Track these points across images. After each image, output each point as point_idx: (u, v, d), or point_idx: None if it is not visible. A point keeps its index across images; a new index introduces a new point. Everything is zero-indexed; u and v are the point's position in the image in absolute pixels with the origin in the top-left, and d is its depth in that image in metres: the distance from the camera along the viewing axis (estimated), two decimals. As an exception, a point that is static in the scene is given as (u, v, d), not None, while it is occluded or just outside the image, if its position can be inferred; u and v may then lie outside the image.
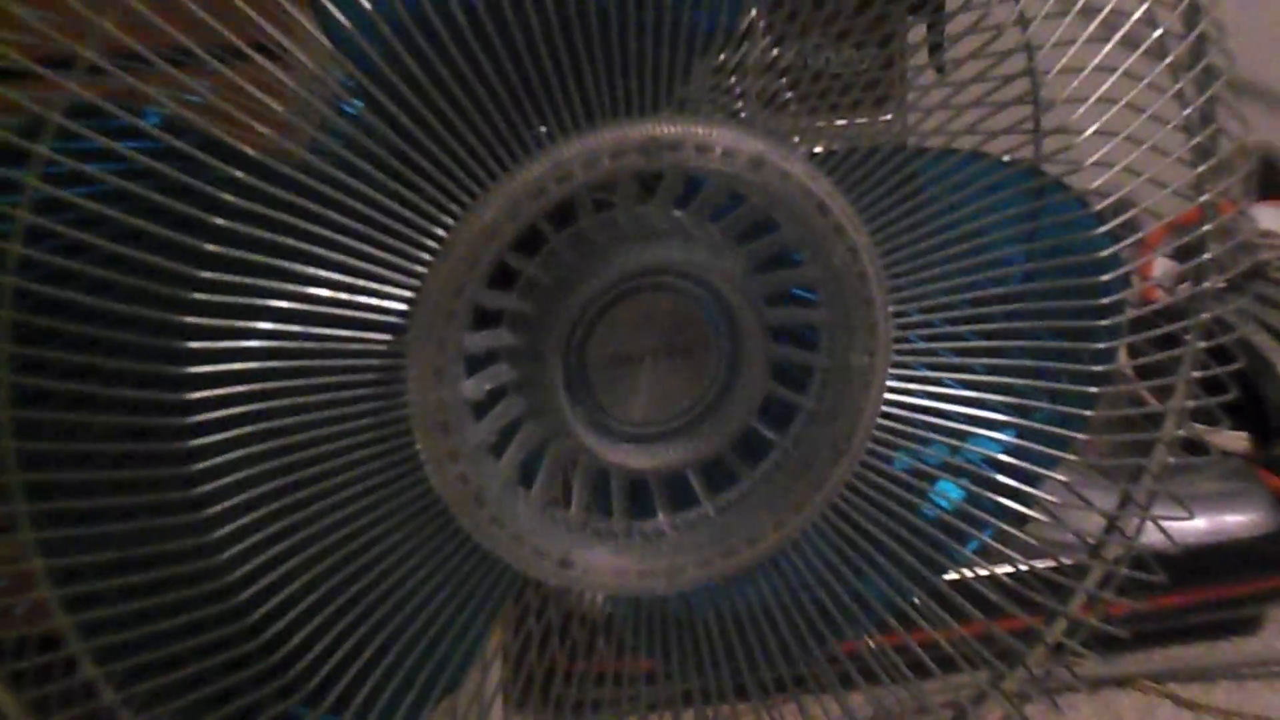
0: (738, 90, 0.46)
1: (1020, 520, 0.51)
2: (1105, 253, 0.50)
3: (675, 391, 0.46)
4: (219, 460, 0.41)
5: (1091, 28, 0.47)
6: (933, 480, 0.50)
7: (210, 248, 0.40)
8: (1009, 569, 0.53)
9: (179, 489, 0.41)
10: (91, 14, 0.37)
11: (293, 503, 0.43)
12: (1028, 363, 0.51)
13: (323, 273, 0.41)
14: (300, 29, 0.39)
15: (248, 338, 0.41)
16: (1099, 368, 0.51)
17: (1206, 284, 0.52)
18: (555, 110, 0.42)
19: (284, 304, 0.41)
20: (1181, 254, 0.53)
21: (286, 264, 0.41)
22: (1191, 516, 0.54)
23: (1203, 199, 0.51)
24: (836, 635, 0.51)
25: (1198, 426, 0.54)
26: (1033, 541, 0.51)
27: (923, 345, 0.49)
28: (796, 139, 0.46)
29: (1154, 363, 0.53)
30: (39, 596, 0.41)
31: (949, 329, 0.49)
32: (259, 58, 0.39)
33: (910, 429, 0.49)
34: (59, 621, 0.42)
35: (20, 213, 0.39)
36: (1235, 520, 0.71)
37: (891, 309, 0.47)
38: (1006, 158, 0.50)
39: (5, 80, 0.38)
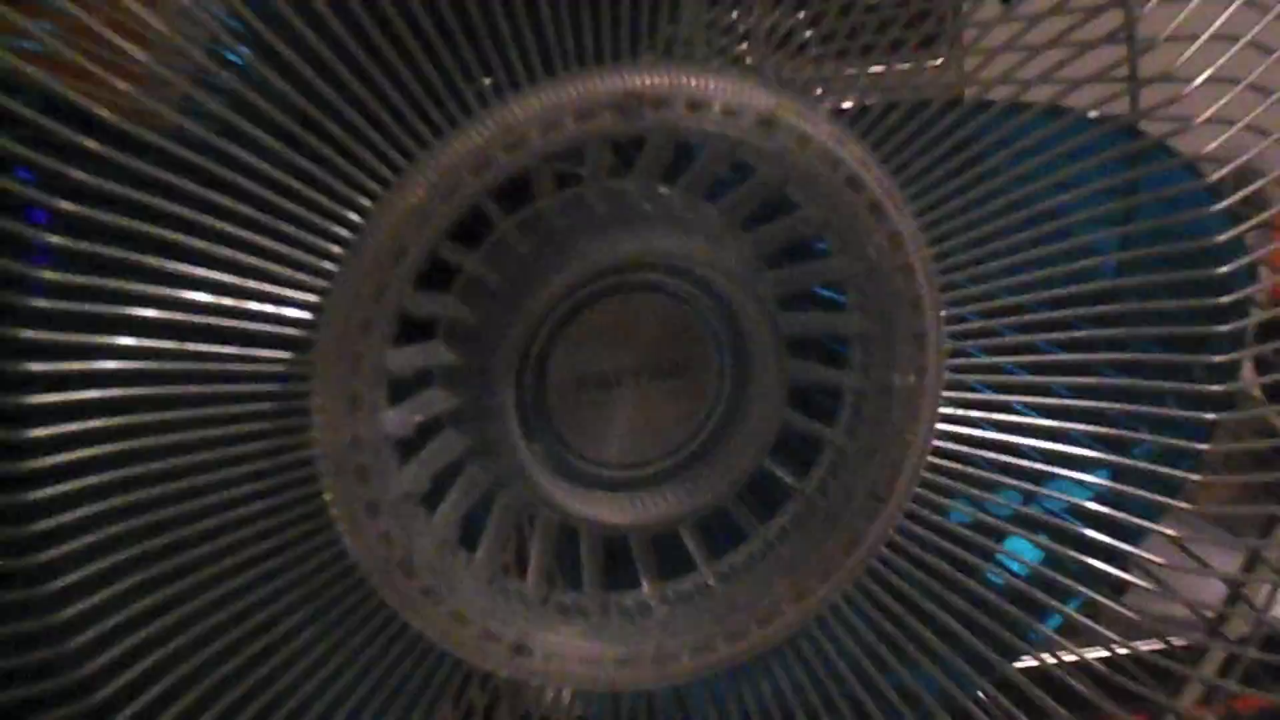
0: (742, 28, 0.47)
1: (1116, 588, 0.52)
2: (1223, 237, 0.51)
3: (663, 423, 0.48)
4: (66, 518, 0.42)
5: (1203, -58, 0.49)
6: (1001, 537, 0.51)
7: (55, 240, 0.41)
8: (1101, 653, 0.53)
9: (13, 556, 0.42)
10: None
11: (163, 573, 0.44)
12: (1123, 381, 0.51)
13: (201, 271, 0.42)
14: (169, -48, 0.40)
15: (103, 357, 0.42)
16: (1217, 387, 0.52)
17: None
18: (503, 57, 0.43)
19: (151, 313, 0.42)
20: (1323, 238, 0.54)
21: (154, 260, 0.42)
22: (1341, 583, 0.55)
23: (1351, 166, 0.52)
24: (877, 741, 0.52)
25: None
26: (1132, 616, 0.52)
27: (985, 360, 0.50)
28: (819, 91, 0.47)
29: (1289, 380, 0.54)
30: None
31: (1020, 339, 0.50)
32: (116, -9, 0.39)
33: (971, 470, 0.50)
34: None
35: None
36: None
37: (945, 313, 0.48)
38: (1093, 114, 0.51)
39: None
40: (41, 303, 0.41)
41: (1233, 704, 0.55)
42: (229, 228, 0.43)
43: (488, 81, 0.44)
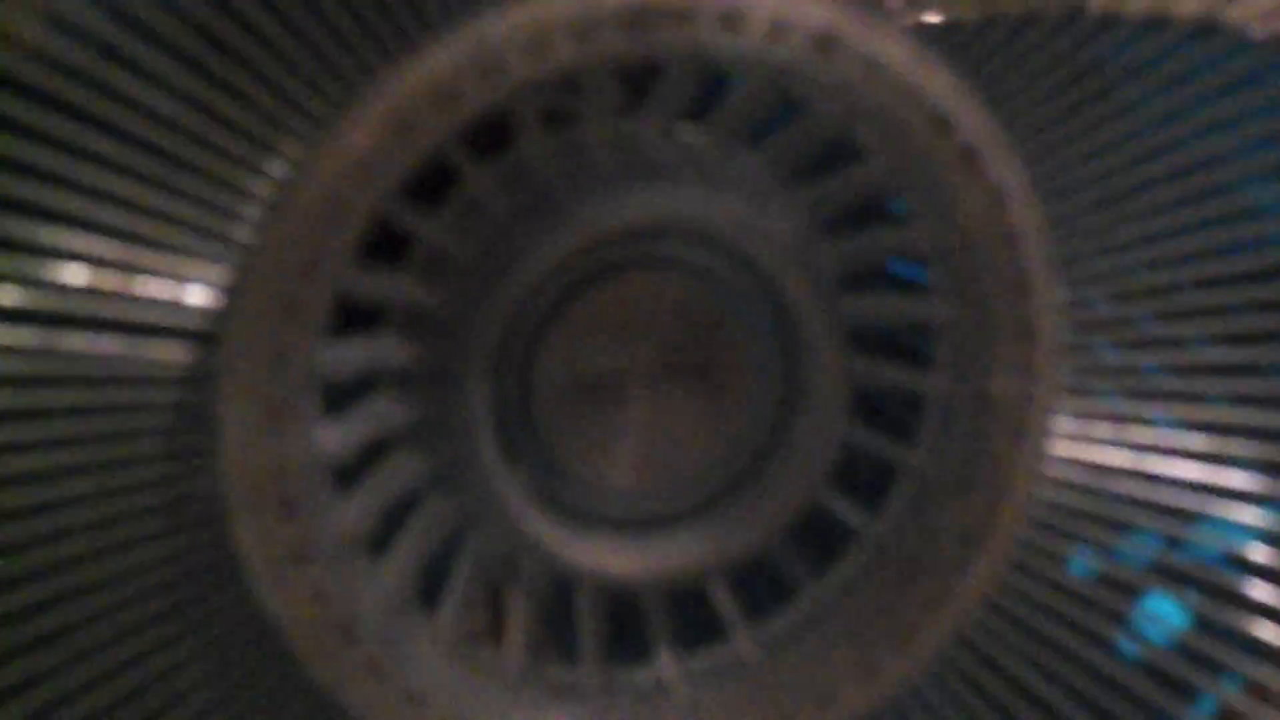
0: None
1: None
2: None
3: (685, 442, 0.46)
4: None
5: None
6: (1137, 594, 0.48)
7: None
8: (1272, 747, 0.52)
9: None
10: None
11: (29, 640, 0.43)
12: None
13: (79, 240, 0.40)
14: None
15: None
16: None
17: None
18: (474, -45, 0.41)
19: (13, 295, 0.40)
20: None
21: (14, 226, 0.40)
22: None
23: None
24: None
25: None
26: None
27: (1116, 360, 0.48)
28: (894, 2, 0.45)
29: None
30: None
31: (1161, 330, 0.48)
32: None
33: (1097, 506, 0.47)
34: None
35: None
36: None
37: (1062, 296, 0.45)
38: (1257, 33, 0.48)
39: None
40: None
41: None
42: (113, 184, 0.41)
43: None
